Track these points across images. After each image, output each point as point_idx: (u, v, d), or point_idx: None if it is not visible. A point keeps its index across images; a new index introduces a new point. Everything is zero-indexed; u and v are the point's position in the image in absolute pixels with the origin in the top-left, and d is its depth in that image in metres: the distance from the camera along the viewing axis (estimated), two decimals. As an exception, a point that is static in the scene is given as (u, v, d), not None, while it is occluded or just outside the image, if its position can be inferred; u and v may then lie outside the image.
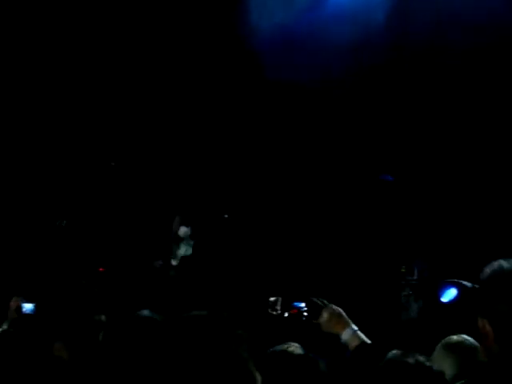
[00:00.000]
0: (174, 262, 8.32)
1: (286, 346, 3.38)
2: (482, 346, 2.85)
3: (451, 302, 7.52)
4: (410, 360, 2.81)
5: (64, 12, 9.44)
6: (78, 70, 9.64)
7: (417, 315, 8.26)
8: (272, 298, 3.86)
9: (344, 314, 3.54)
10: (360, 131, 9.38)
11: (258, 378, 2.49)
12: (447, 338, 3.69)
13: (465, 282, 7.37)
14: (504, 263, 2.74)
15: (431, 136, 9.24)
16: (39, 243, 8.60)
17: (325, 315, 3.54)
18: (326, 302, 3.62)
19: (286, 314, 3.78)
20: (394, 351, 2.90)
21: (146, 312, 3.67)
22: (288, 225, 9.40)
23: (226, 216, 8.40)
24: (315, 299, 3.66)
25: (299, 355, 3.09)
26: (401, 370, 2.79)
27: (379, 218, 9.28)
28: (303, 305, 3.71)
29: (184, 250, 8.35)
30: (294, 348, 3.35)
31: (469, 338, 3.63)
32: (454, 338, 3.70)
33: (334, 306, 3.59)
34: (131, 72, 9.71)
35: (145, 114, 9.70)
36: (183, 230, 8.37)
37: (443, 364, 3.38)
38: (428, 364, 2.81)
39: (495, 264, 2.75)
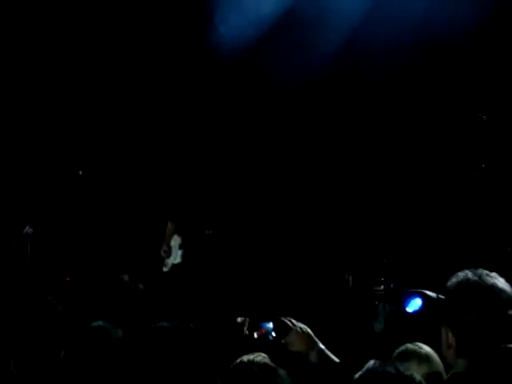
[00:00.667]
0: (164, 269, 8.42)
1: (252, 356, 3.36)
2: (443, 355, 2.91)
3: (416, 313, 7.48)
4: (391, 369, 2.74)
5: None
6: (44, 76, 9.57)
7: (383, 326, 8.09)
8: (239, 319, 3.90)
9: (311, 333, 3.52)
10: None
11: None
12: (403, 347, 3.67)
13: (430, 293, 7.35)
14: (470, 274, 2.81)
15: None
16: (4, 252, 8.50)
17: (292, 335, 3.52)
18: (293, 320, 3.61)
19: (256, 335, 3.81)
20: (373, 361, 2.82)
21: (99, 323, 3.62)
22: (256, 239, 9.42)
23: (209, 232, 8.40)
24: (283, 318, 3.64)
25: (261, 364, 3.05)
26: (382, 380, 2.71)
27: (346, 232, 9.28)
28: (270, 325, 3.72)
29: (174, 258, 8.41)
30: (261, 358, 3.32)
31: (424, 347, 3.63)
32: (410, 346, 3.68)
33: (302, 325, 3.56)
34: (107, 78, 9.68)
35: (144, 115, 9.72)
36: (175, 238, 8.42)
37: None
38: (409, 373, 2.76)
39: (461, 275, 2.83)
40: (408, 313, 7.55)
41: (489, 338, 2.72)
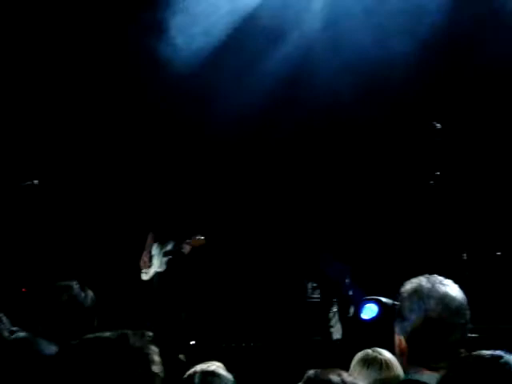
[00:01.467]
0: (144, 277, 8.53)
1: (205, 365, 3.47)
2: (398, 361, 2.93)
3: (372, 320, 7.59)
4: (334, 378, 2.80)
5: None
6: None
7: (340, 336, 8.32)
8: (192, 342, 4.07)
9: None
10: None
11: None
12: (363, 353, 3.71)
13: (385, 300, 7.48)
14: (423, 281, 2.83)
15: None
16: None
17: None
18: None
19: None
20: (312, 370, 2.86)
21: (21, 334, 3.44)
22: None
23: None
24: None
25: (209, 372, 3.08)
26: None
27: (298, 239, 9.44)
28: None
29: (157, 266, 8.52)
30: (215, 367, 3.43)
31: (384, 353, 3.68)
32: (370, 352, 3.72)
33: None
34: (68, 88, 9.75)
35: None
36: (156, 247, 8.55)
37: (358, 377, 3.43)
38: (351, 381, 2.82)
39: (415, 281, 2.84)
40: (363, 320, 7.67)
41: (439, 346, 2.76)
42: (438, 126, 7.90)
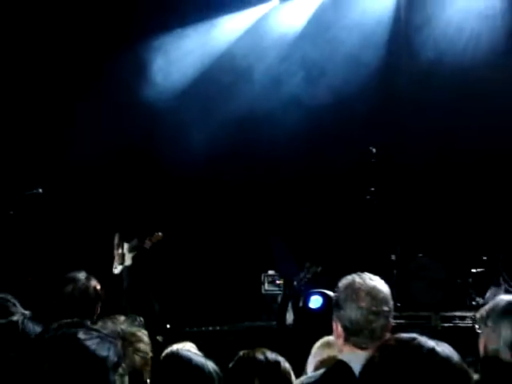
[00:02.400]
0: (115, 271, 9.36)
1: (181, 345, 3.54)
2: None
3: (318, 309, 8.22)
4: (259, 355, 2.88)
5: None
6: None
7: (292, 322, 8.78)
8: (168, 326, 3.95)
9: None
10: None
11: None
12: (325, 338, 3.81)
13: (328, 292, 8.03)
14: (356, 277, 3.09)
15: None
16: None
17: None
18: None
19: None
20: (242, 351, 2.94)
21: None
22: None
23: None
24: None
25: (184, 356, 2.93)
26: (251, 366, 2.83)
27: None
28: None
29: (126, 262, 9.33)
30: (189, 347, 3.47)
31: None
32: (331, 338, 3.75)
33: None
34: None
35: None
36: (124, 246, 9.34)
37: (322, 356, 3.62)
38: (275, 359, 2.89)
39: (349, 278, 3.10)
40: (310, 309, 8.34)
41: (368, 331, 2.98)
42: (374, 150, 8.87)
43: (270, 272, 10.13)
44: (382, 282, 3.09)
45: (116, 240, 9.47)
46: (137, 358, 2.99)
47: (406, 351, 1.89)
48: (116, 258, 9.42)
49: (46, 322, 3.09)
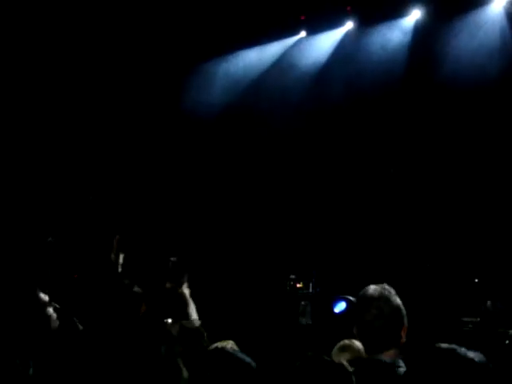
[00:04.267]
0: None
1: (224, 343, 3.66)
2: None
3: (342, 313, 8.63)
4: (228, 347, 3.10)
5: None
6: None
7: (310, 321, 9.24)
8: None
9: None
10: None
11: (185, 373, 2.71)
12: (341, 342, 4.12)
13: (351, 298, 8.22)
14: (372, 288, 3.23)
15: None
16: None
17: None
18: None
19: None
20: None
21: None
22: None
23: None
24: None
25: (228, 353, 3.03)
26: (316, 369, 2.80)
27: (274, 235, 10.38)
28: None
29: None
30: (230, 345, 3.63)
31: (355, 342, 4.06)
32: (346, 341, 4.15)
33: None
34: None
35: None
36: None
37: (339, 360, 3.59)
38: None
39: (367, 288, 3.24)
40: (335, 313, 8.75)
41: (387, 335, 3.15)
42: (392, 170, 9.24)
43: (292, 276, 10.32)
44: (395, 293, 3.30)
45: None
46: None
47: (447, 361, 1.98)
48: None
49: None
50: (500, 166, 9.39)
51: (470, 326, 8.16)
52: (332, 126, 10.28)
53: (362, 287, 3.29)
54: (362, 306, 3.20)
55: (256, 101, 10.70)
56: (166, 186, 10.70)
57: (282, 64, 10.87)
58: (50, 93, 10.18)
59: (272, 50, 11.00)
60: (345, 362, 3.22)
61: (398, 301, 3.24)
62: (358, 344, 3.93)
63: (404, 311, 3.24)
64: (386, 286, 3.26)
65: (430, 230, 9.57)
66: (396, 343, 3.14)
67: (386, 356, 3.12)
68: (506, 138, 9.51)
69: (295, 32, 11.10)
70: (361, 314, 3.19)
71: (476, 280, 8.88)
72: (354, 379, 2.76)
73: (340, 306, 8.86)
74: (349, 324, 3.48)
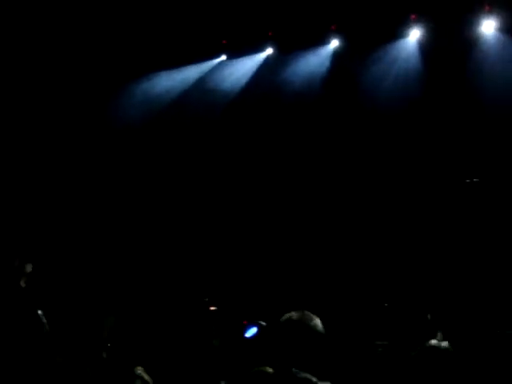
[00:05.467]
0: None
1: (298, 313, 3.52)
2: None
3: (253, 337, 8.58)
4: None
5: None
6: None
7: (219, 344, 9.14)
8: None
9: None
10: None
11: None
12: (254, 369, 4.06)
13: (262, 322, 8.47)
14: (294, 314, 3.33)
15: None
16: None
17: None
18: None
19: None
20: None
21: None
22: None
23: None
24: None
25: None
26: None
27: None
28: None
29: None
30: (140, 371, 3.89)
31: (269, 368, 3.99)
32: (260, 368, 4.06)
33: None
34: None
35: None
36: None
37: None
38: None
39: (288, 314, 3.35)
40: (246, 337, 8.66)
41: (302, 358, 3.23)
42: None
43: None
44: (319, 320, 3.41)
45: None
46: None
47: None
48: None
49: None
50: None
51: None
52: (250, 147, 10.60)
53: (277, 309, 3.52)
54: (282, 330, 3.27)
55: (176, 119, 11.06)
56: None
57: (202, 85, 11.31)
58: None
59: (193, 72, 11.40)
60: None
61: (318, 325, 3.33)
62: (270, 370, 3.92)
63: (324, 335, 3.32)
64: (306, 312, 3.36)
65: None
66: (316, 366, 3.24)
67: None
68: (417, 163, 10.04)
69: (216, 55, 11.50)
70: (281, 338, 3.26)
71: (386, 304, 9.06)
72: None
73: (251, 331, 8.82)
74: (259, 348, 3.71)
